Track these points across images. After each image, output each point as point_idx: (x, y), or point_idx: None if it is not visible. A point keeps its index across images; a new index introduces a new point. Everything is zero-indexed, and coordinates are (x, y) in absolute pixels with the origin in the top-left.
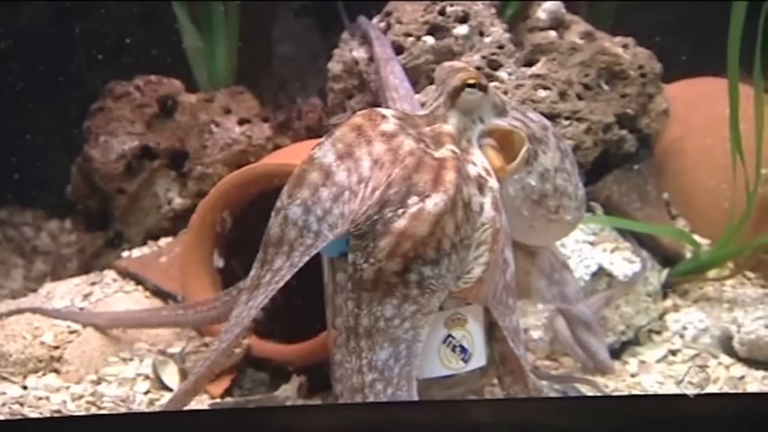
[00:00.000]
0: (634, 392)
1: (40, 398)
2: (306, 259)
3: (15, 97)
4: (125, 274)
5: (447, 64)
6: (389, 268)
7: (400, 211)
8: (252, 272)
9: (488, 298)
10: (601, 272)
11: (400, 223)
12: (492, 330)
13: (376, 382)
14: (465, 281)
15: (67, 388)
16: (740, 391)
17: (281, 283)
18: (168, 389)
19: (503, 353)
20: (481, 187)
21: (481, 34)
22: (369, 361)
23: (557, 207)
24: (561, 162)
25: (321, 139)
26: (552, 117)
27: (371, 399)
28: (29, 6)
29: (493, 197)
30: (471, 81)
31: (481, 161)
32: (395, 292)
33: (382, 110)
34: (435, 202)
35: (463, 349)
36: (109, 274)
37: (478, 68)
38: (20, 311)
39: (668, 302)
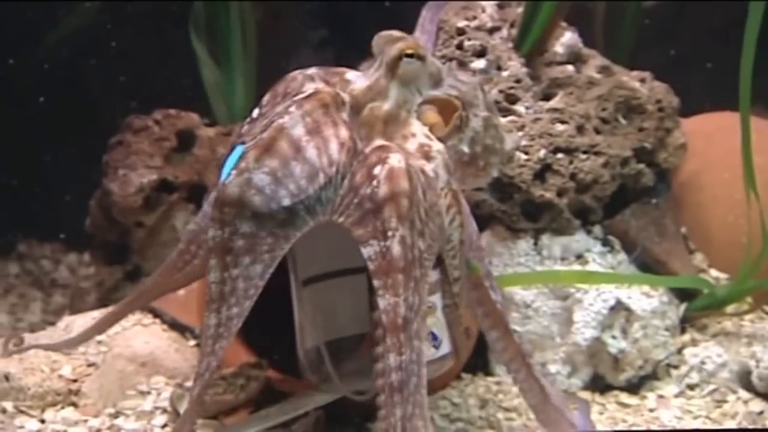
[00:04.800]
0: (653, 427)
1: None
2: (288, 241)
3: (34, 130)
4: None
5: (384, 33)
6: (406, 235)
7: (375, 182)
8: (210, 233)
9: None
10: (619, 306)
11: (384, 189)
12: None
13: (405, 386)
14: (452, 253)
15: (85, 421)
16: (759, 426)
17: (271, 262)
18: None
19: (480, 299)
20: (427, 155)
21: (499, 68)
22: (405, 359)
23: (485, 165)
24: (489, 120)
25: (289, 107)
26: (570, 151)
27: (402, 405)
28: (48, 40)
29: (443, 159)
30: (409, 51)
31: (420, 130)
32: (413, 272)
33: (341, 93)
34: (397, 158)
35: (434, 336)
36: None
37: (495, 102)
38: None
39: (686, 337)
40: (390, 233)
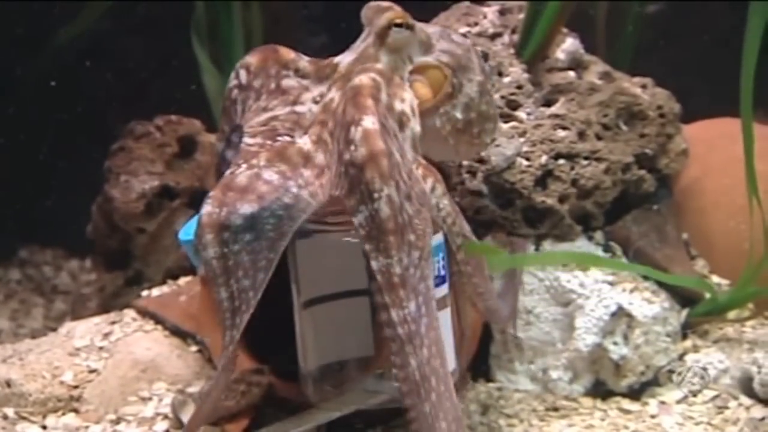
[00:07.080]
0: None
1: None
2: (294, 221)
3: (35, 136)
4: (145, 314)
5: (373, 3)
6: (392, 195)
7: (352, 147)
8: (205, 208)
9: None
10: (620, 312)
11: (362, 151)
12: None
13: (415, 336)
14: (450, 219)
15: (87, 427)
16: None
17: (279, 237)
18: None
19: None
20: (402, 124)
21: (500, 74)
22: (409, 312)
23: (480, 132)
24: (484, 85)
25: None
26: (571, 156)
27: (415, 354)
28: (50, 46)
29: (412, 139)
30: (398, 20)
31: (409, 99)
32: (405, 236)
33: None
34: (370, 120)
35: None
36: (129, 314)
37: (497, 108)
38: None
39: (688, 343)
40: (375, 194)
